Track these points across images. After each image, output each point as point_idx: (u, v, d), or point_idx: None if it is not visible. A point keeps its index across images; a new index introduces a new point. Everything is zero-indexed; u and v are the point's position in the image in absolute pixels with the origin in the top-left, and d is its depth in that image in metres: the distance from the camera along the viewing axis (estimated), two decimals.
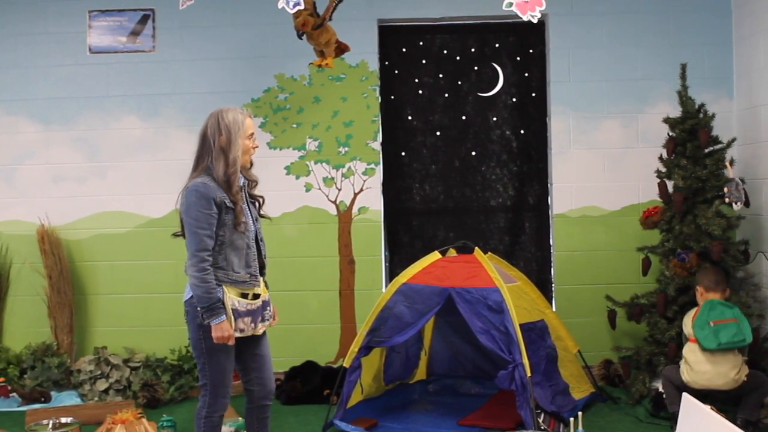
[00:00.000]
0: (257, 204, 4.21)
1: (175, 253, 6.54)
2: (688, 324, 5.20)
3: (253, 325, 4.02)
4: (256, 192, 4.19)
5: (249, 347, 4.12)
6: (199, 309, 3.88)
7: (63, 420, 5.29)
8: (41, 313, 6.52)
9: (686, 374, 5.08)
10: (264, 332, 4.18)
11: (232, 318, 3.89)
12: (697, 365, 5.02)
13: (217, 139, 3.93)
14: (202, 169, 3.97)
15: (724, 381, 4.97)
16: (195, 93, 6.59)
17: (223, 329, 3.85)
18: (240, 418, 5.38)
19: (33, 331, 6.52)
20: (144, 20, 6.61)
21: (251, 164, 4.15)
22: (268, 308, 4.18)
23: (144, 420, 5.15)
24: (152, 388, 6.01)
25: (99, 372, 6.13)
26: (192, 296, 3.94)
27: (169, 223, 6.57)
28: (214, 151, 3.94)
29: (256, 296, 4.06)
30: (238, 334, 3.93)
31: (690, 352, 5.10)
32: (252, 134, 4.05)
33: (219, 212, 3.88)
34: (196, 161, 4.02)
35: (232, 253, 3.95)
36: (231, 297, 3.92)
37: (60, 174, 6.64)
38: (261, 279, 4.14)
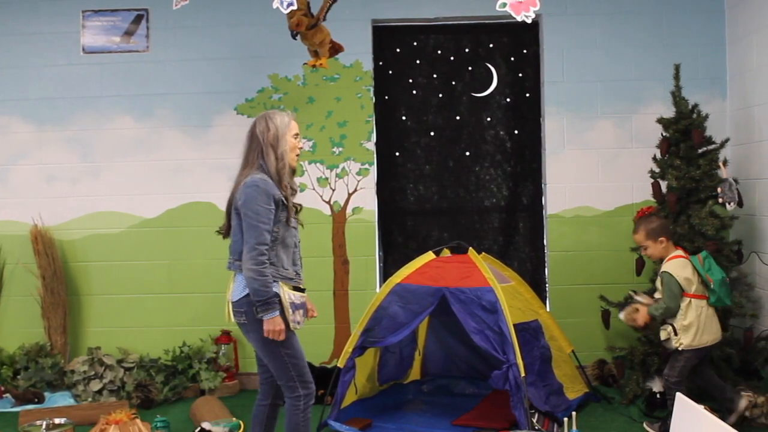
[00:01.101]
0: (295, 210, 4.23)
1: (168, 253, 6.58)
2: (688, 277, 4.98)
3: (303, 318, 4.13)
4: (295, 200, 4.22)
5: (295, 341, 4.16)
6: (254, 302, 3.91)
7: (56, 421, 5.27)
8: (35, 313, 6.51)
9: (696, 337, 4.95)
10: None
11: (290, 311, 4.00)
12: (708, 321, 5.01)
13: (266, 136, 4.06)
14: (253, 166, 4.07)
15: (720, 334, 5.15)
16: (189, 93, 6.59)
17: (276, 323, 3.92)
18: (234, 419, 5.38)
19: (26, 332, 6.51)
20: (138, 20, 6.60)
21: (293, 170, 4.23)
22: (307, 305, 4.25)
23: (138, 420, 5.14)
24: (146, 389, 6.00)
25: (93, 372, 6.13)
26: (245, 295, 3.98)
27: (162, 223, 6.59)
28: (264, 148, 4.06)
29: (303, 291, 4.17)
30: (298, 327, 4.06)
31: (696, 309, 4.97)
32: (297, 134, 4.18)
33: (276, 208, 3.98)
34: (246, 159, 4.13)
35: (283, 250, 4.05)
36: (287, 291, 4.01)
37: (53, 174, 6.63)
38: (302, 276, 4.23)
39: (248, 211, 3.93)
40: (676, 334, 4.97)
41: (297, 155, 4.19)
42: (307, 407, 4.11)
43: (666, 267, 5.03)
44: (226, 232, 4.17)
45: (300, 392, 4.09)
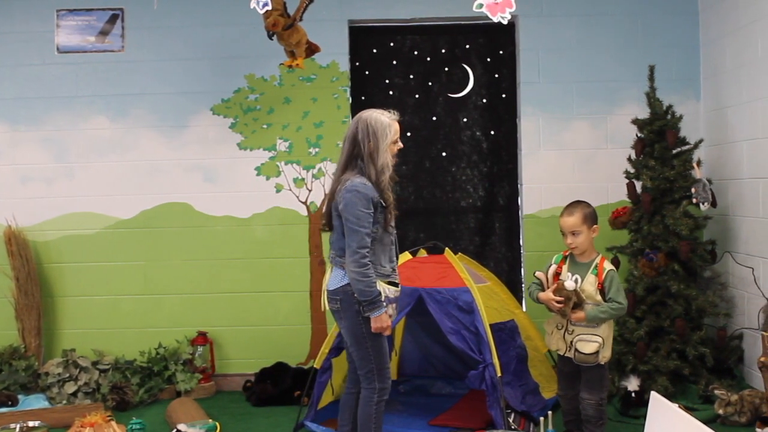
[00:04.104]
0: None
1: (144, 254, 6.55)
2: (593, 288, 4.65)
3: (396, 312, 4.34)
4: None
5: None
6: (360, 302, 4.12)
7: (31, 424, 5.25)
8: (8, 315, 6.44)
9: (610, 350, 4.68)
10: None
11: (384, 305, 4.16)
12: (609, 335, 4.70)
13: (366, 144, 4.18)
14: (354, 169, 4.21)
15: None
16: (165, 93, 6.55)
17: (383, 320, 4.15)
18: (210, 420, 5.36)
19: (0, 334, 6.45)
20: (113, 20, 6.56)
21: (393, 179, 4.35)
22: (399, 299, 4.45)
23: (113, 423, 5.13)
24: (121, 391, 5.97)
25: (67, 375, 6.08)
26: (344, 284, 4.18)
27: (138, 224, 6.55)
28: (365, 155, 4.19)
29: (397, 286, 4.34)
30: (389, 320, 4.23)
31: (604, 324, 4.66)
32: (397, 138, 4.29)
33: (375, 211, 4.14)
34: (347, 162, 4.25)
35: (380, 249, 4.22)
36: (382, 285, 4.17)
37: (27, 175, 6.57)
38: (397, 272, 4.39)
39: (349, 216, 4.10)
40: (603, 346, 4.64)
41: (395, 156, 4.33)
42: (380, 400, 4.27)
43: (607, 266, 4.68)
44: (329, 227, 4.36)
45: (376, 385, 4.26)
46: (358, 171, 4.20)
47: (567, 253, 4.83)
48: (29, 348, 6.36)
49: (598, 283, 4.64)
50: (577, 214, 4.73)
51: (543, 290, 4.80)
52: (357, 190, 4.10)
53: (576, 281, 4.67)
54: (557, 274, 4.79)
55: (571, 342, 4.67)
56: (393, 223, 4.29)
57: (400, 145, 4.33)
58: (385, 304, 4.16)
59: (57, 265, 6.58)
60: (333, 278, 4.27)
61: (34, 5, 6.53)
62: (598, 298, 4.63)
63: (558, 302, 4.63)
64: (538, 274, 4.87)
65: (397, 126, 4.28)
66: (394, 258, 4.33)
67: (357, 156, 4.21)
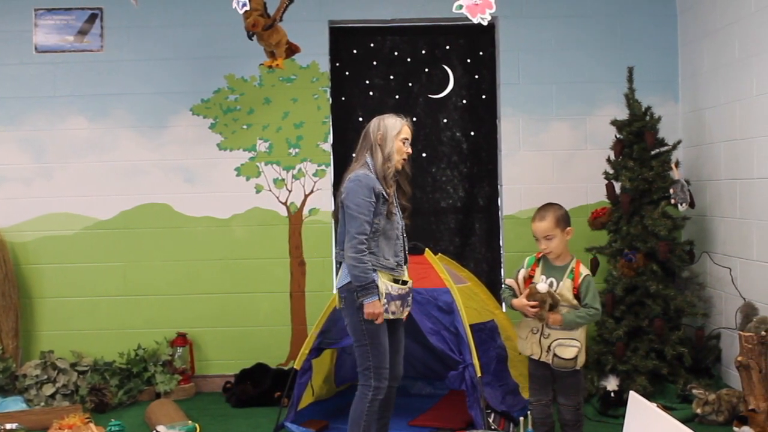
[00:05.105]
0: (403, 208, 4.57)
1: (123, 255, 6.51)
2: (570, 293, 4.55)
3: (401, 309, 4.38)
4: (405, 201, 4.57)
5: (393, 330, 4.45)
6: (355, 287, 4.22)
7: (8, 426, 5.21)
8: None
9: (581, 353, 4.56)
10: (402, 319, 4.51)
11: (384, 300, 4.23)
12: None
13: (376, 135, 4.39)
14: (361, 163, 4.38)
15: None
16: (144, 93, 6.52)
17: (375, 306, 4.21)
18: (190, 422, 5.34)
19: None
20: (92, 19, 6.53)
21: (407, 176, 4.54)
22: (411, 295, 4.52)
23: (92, 425, 5.10)
24: (100, 393, 5.94)
25: (45, 377, 6.04)
26: (347, 282, 4.29)
27: (117, 224, 6.52)
28: (373, 147, 4.38)
29: (405, 282, 4.41)
30: (390, 316, 4.29)
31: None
32: (406, 139, 4.43)
33: (376, 201, 4.27)
34: (356, 156, 4.47)
35: (384, 241, 4.33)
36: (384, 282, 4.26)
37: (5, 175, 6.52)
38: (405, 267, 4.50)
39: (350, 203, 4.26)
40: (580, 351, 4.53)
41: (404, 159, 4.45)
42: (374, 399, 4.32)
43: (584, 270, 4.57)
44: (335, 220, 4.59)
45: (372, 383, 4.32)
46: (364, 165, 4.37)
47: (540, 255, 4.70)
48: (7, 350, 6.30)
49: (574, 288, 4.53)
50: (549, 218, 4.58)
51: (516, 296, 4.64)
52: (359, 180, 4.28)
53: (552, 284, 4.56)
54: (531, 277, 4.67)
55: (549, 346, 4.54)
56: (401, 218, 4.46)
57: (409, 150, 4.45)
58: (386, 300, 4.24)
59: (35, 266, 6.53)
60: (340, 276, 4.40)
61: (12, 4, 6.48)
62: (575, 302, 4.51)
63: (533, 307, 4.48)
64: (509, 281, 4.71)
65: (407, 128, 4.45)
66: (400, 253, 4.42)
67: (366, 148, 4.41)
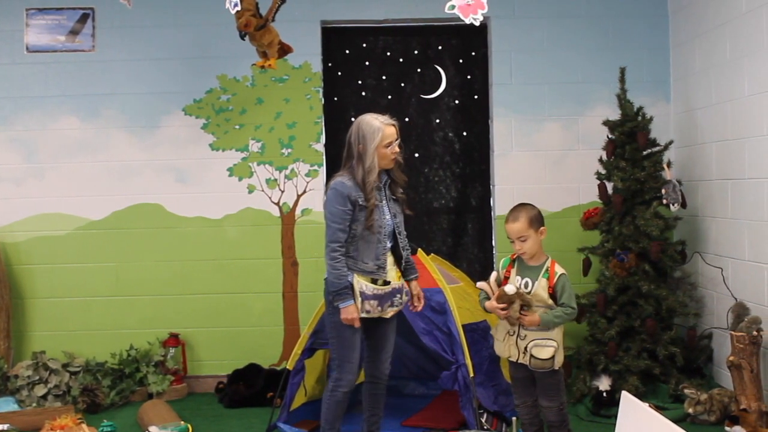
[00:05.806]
0: (400, 201, 4.60)
1: (115, 255, 6.50)
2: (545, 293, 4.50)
3: (379, 308, 4.40)
4: (401, 192, 4.59)
5: (376, 328, 4.55)
6: (330, 292, 4.36)
7: (0, 427, 5.19)
8: None
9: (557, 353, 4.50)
10: (393, 317, 4.57)
11: (359, 299, 4.32)
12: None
13: (356, 146, 4.39)
14: (346, 168, 4.43)
15: None
16: (136, 94, 6.51)
17: (350, 312, 4.31)
18: (182, 422, 5.33)
19: None
20: (83, 19, 6.51)
21: (399, 165, 4.53)
22: (399, 295, 4.52)
23: (84, 425, 5.09)
24: (92, 393, 5.93)
25: (37, 377, 6.02)
26: (325, 278, 4.45)
27: (109, 225, 6.51)
28: (355, 157, 4.39)
29: (386, 283, 4.44)
30: (363, 315, 4.35)
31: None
32: (390, 142, 4.39)
33: (353, 209, 4.32)
34: (343, 161, 4.48)
35: (364, 245, 4.38)
36: (360, 281, 4.34)
37: None
38: (395, 268, 4.54)
39: (326, 212, 4.39)
40: (557, 350, 4.48)
41: (393, 159, 4.44)
42: (335, 389, 4.47)
43: (559, 270, 4.51)
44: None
45: (334, 374, 4.48)
46: (347, 170, 4.41)
47: (515, 257, 4.67)
48: None
49: (549, 287, 4.48)
50: (522, 219, 4.52)
51: (489, 299, 4.60)
52: (335, 188, 4.34)
53: (527, 284, 4.52)
54: (507, 278, 4.62)
55: (525, 348, 4.49)
56: (394, 215, 4.49)
57: (396, 149, 4.43)
58: (360, 299, 4.31)
59: (27, 267, 6.51)
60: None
61: (3, 4, 6.46)
62: (551, 302, 4.47)
63: (502, 309, 4.45)
64: (480, 284, 4.66)
65: (389, 131, 4.39)
66: (382, 255, 4.42)
67: (350, 157, 4.42)
